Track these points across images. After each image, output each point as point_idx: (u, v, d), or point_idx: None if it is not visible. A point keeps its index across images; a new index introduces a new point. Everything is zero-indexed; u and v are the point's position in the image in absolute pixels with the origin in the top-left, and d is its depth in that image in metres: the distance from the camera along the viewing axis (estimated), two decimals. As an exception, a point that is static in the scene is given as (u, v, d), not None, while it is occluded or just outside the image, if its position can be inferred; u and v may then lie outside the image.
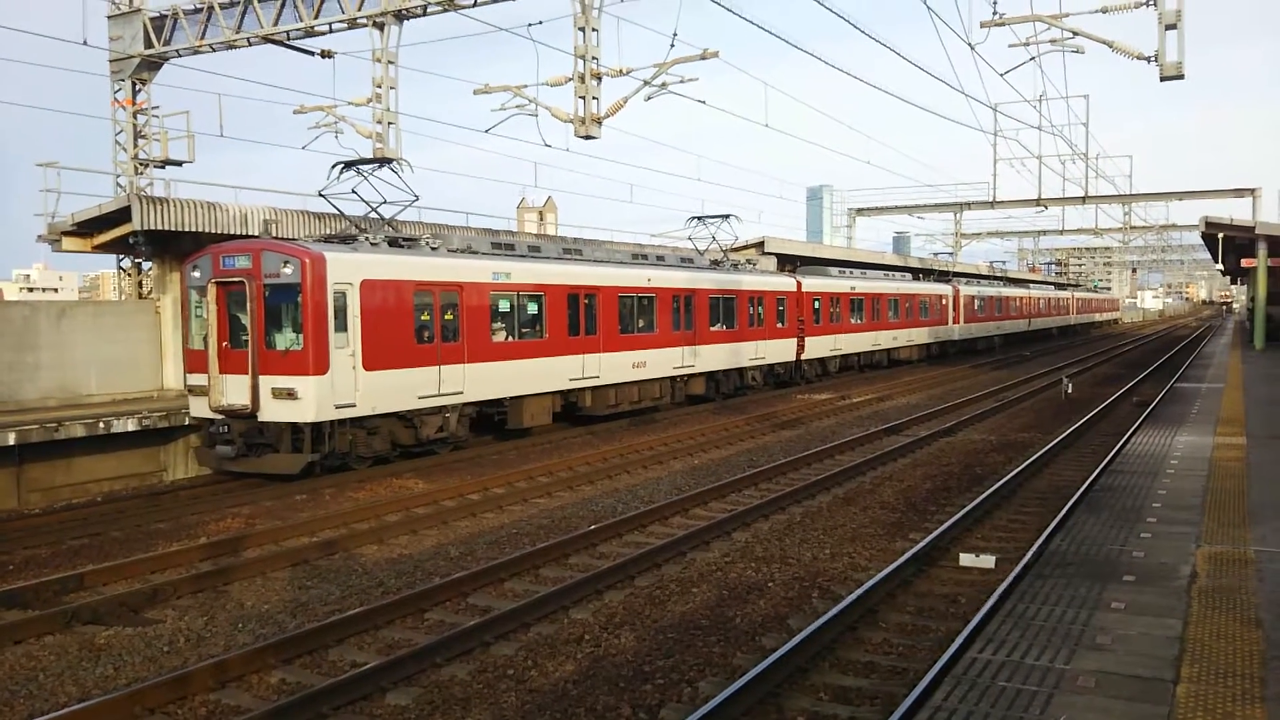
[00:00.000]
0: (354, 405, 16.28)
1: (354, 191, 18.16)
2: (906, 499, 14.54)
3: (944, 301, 46.85)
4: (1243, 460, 12.28)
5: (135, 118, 21.77)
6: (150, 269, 20.45)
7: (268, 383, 15.77)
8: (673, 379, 25.51)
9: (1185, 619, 6.32)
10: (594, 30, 17.38)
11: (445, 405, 18.18)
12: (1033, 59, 20.38)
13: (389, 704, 7.45)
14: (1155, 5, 17.56)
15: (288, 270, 15.73)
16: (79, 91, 24.12)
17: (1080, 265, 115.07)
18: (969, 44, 19.44)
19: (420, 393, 17.49)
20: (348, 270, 16.20)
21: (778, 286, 30.99)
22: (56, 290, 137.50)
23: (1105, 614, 6.47)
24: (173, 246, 19.62)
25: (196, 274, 16.70)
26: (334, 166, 18.12)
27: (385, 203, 18.47)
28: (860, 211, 60.80)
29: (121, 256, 21.14)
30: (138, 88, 21.88)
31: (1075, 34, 19.27)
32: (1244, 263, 39.63)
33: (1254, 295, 39.84)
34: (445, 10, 18.73)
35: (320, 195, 18.22)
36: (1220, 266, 49.23)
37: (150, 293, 20.43)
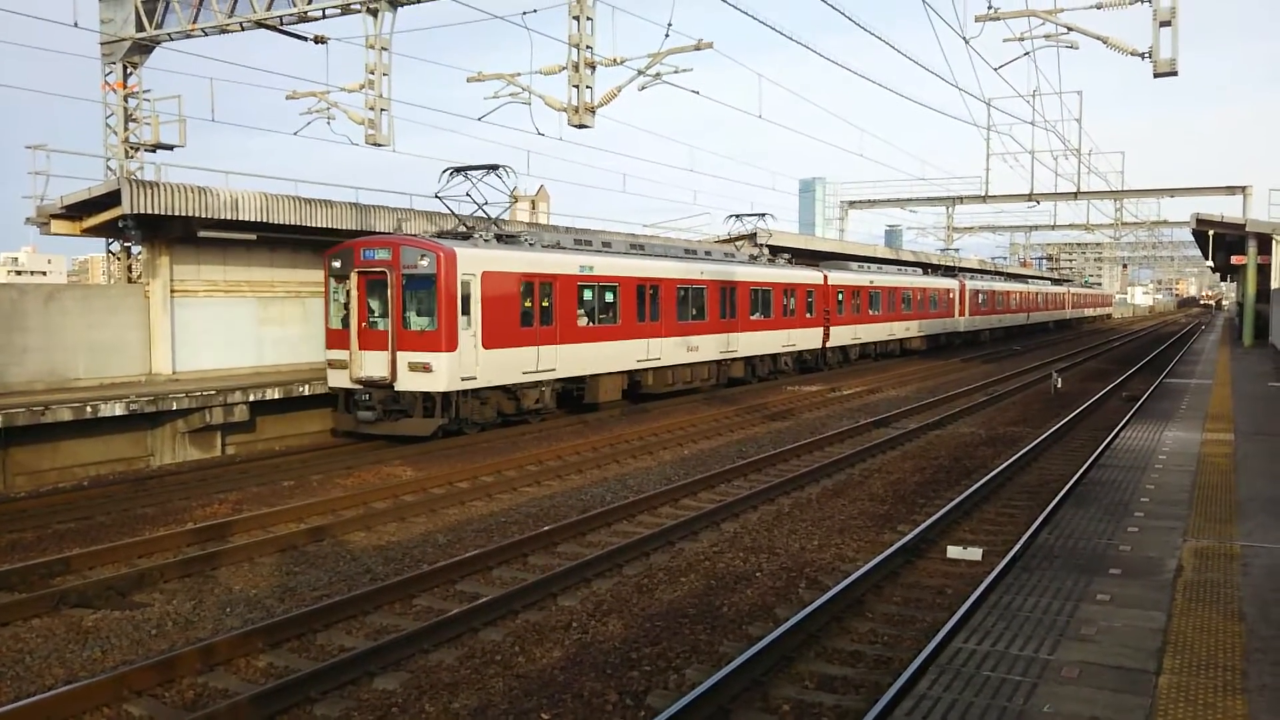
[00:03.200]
0: (475, 378, 19.10)
1: (467, 195, 21.10)
2: (895, 491, 14.58)
3: (951, 295, 49.30)
4: (1230, 456, 12.34)
5: (126, 101, 21.65)
6: (140, 253, 20.34)
7: (405, 358, 18.49)
8: (718, 362, 28.22)
9: (1169, 612, 6.36)
10: (588, 19, 17.33)
11: (541, 380, 21.05)
12: (1027, 54, 20.41)
13: (376, 688, 7.46)
14: (1149, 2, 17.59)
15: (424, 263, 18.44)
16: (69, 74, 23.97)
17: (1071, 261, 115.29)
18: (963, 38, 19.44)
19: (523, 369, 20.36)
20: (472, 263, 18.98)
21: (807, 280, 33.69)
22: (45, 274, 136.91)
23: (1090, 606, 6.50)
24: (162, 230, 19.53)
25: (337, 264, 19.39)
26: (444, 171, 20.79)
27: (487, 204, 21.37)
28: (853, 204, 60.80)
29: (111, 240, 21.03)
30: (129, 71, 21.75)
31: (1069, 29, 19.29)
32: (1234, 260, 39.79)
33: (1243, 292, 40.02)
34: (439, -4, 18.64)
35: (436, 197, 20.93)
36: (1210, 263, 49.43)
37: (140, 277, 20.33)
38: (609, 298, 23.27)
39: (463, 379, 18.77)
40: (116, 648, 8.43)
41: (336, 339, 19.37)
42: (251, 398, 18.34)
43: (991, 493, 14.22)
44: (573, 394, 22.69)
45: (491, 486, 14.81)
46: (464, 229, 21.29)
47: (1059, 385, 28.29)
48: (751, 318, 29.69)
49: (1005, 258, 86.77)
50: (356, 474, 16.14)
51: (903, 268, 47.41)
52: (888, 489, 14.74)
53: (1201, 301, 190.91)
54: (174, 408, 17.18)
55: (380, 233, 21.56)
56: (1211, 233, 37.76)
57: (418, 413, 18.67)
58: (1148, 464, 11.83)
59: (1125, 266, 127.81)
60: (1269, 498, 9.80)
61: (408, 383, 18.54)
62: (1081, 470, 14.65)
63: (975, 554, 10.74)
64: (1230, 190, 50.62)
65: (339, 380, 19.26)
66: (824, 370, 35.38)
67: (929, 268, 53.81)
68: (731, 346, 28.62)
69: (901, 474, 15.95)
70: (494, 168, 20.68)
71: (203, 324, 20.71)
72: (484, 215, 21.46)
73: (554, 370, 21.22)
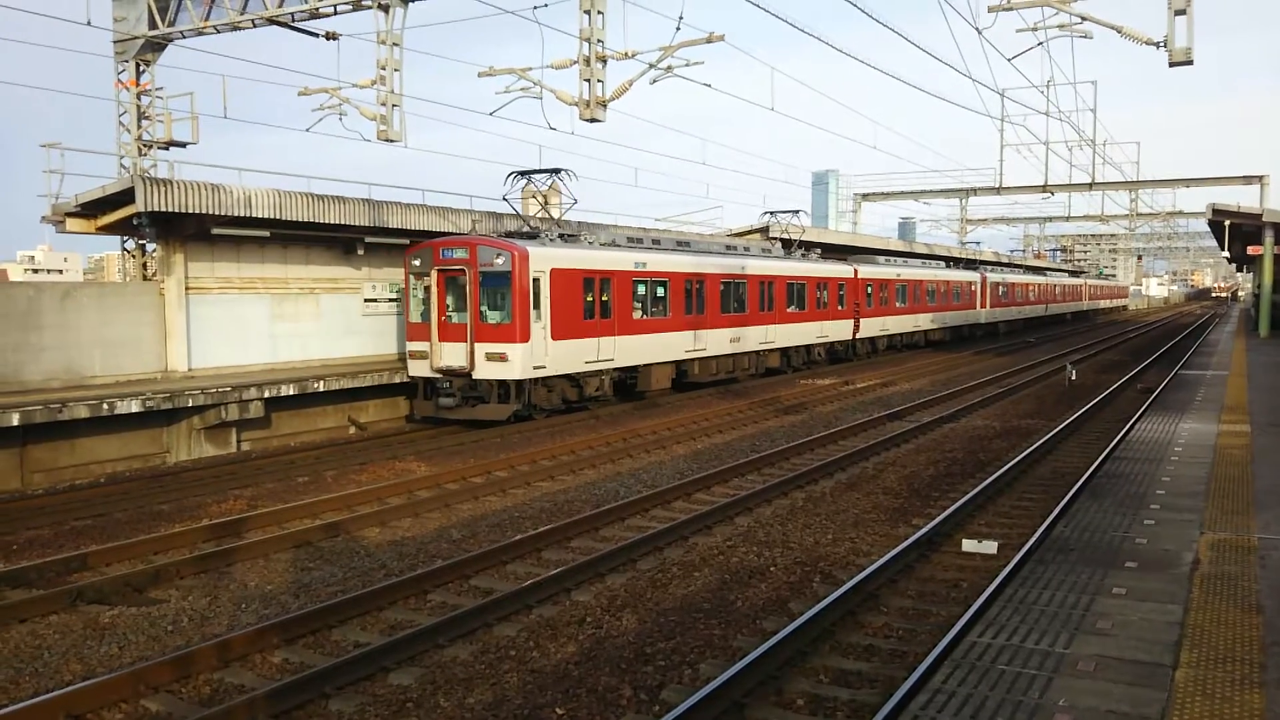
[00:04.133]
0: (545, 367, 20.61)
1: (534, 197, 22.74)
2: (910, 485, 14.54)
3: (973, 288, 50.43)
4: (1247, 447, 12.25)
5: (139, 99, 21.71)
6: (154, 250, 20.42)
7: (482, 349, 20.00)
8: (757, 353, 29.77)
9: (1186, 605, 6.33)
10: (599, 13, 17.28)
11: (601, 370, 22.59)
12: (1041, 44, 20.25)
13: (391, 684, 7.48)
14: (1164, -10, 17.42)
15: (499, 261, 19.95)
16: (82, 72, 24.06)
17: (1086, 252, 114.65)
18: (976, 29, 19.32)
19: (586, 358, 21.88)
20: (542, 261, 20.49)
21: (838, 274, 35.10)
22: (61, 272, 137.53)
23: (1106, 599, 6.47)
24: (177, 228, 19.60)
25: (417, 262, 20.90)
26: (509, 175, 22.26)
27: (540, 207, 23.16)
28: (866, 196, 60.60)
29: (125, 238, 21.11)
30: (141, 69, 21.81)
31: (1084, 19, 19.14)
32: (1250, 250, 39.46)
33: (1260, 283, 39.70)
34: (450, -8, 18.63)
35: (504, 200, 22.72)
36: (1226, 254, 49.06)
37: (154, 274, 20.42)
38: (660, 292, 24.78)
39: (534, 368, 20.33)
40: (133, 644, 8.48)
41: (416, 332, 20.94)
42: (266, 394, 18.43)
43: (1006, 486, 14.17)
44: (626, 382, 24.17)
45: (505, 482, 14.83)
46: (529, 229, 22.93)
47: (1073, 377, 28.15)
48: (788, 310, 31.18)
49: (1020, 250, 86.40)
50: (370, 470, 16.19)
51: (926, 261, 48.72)
52: (902, 482, 14.70)
53: (1215, 293, 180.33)
54: (189, 404, 17.26)
55: (430, 231, 22.99)
56: (1228, 223, 37.43)
57: (493, 399, 20.31)
58: (1163, 456, 11.76)
59: (1140, 258, 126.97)
60: (1287, 490, 9.72)
61: (485, 371, 20.11)
62: (1097, 463, 14.57)
63: (990, 547, 10.70)
64: (1247, 180, 50.23)
65: (419, 370, 20.84)
66: (853, 360, 36.88)
67: (951, 261, 54.88)
68: (770, 338, 30.11)
69: (916, 467, 15.90)
70: (556, 171, 22.45)
71: (217, 321, 20.79)
72: (547, 215, 23.37)
73: (613, 360, 22.79)
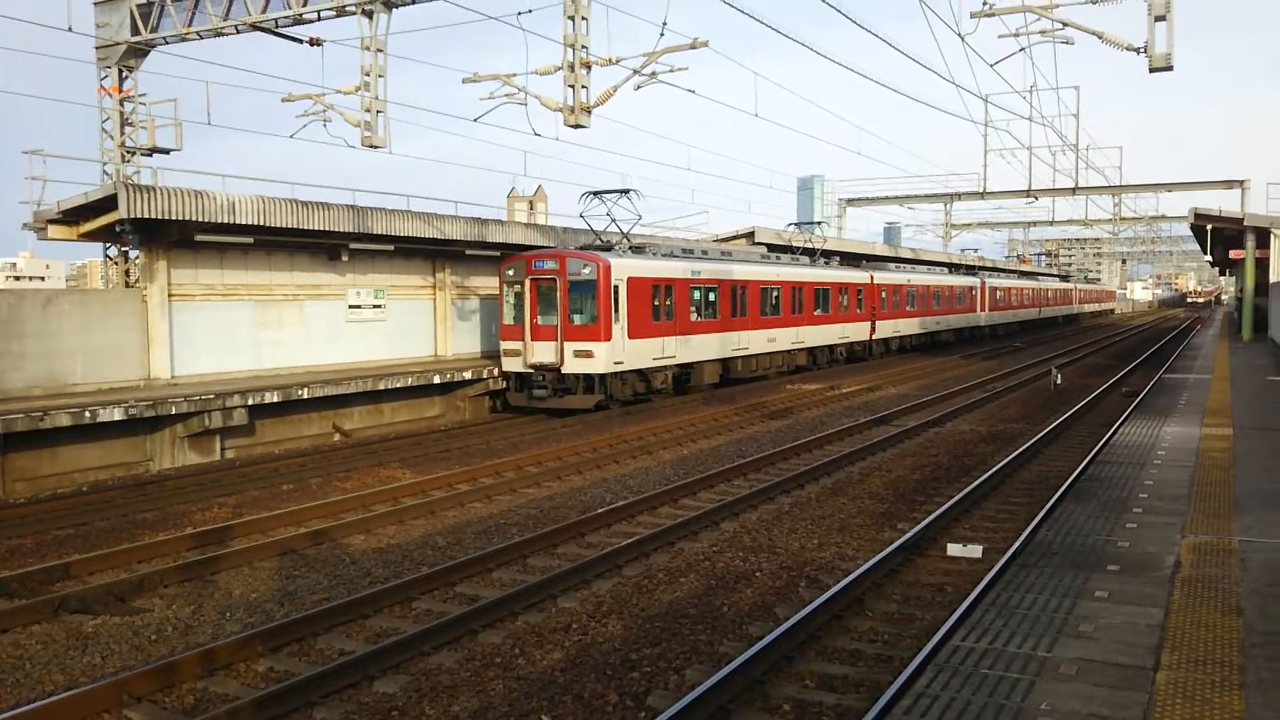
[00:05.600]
0: (623, 363, 23.55)
1: (608, 215, 25.85)
2: (895, 489, 14.58)
3: (974, 293, 53.25)
4: (1229, 451, 12.34)
5: (122, 105, 21.63)
6: (137, 257, 20.33)
7: (570, 347, 22.94)
8: (788, 352, 32.61)
9: (1167, 608, 6.36)
10: (584, 19, 17.31)
11: (665, 366, 25.53)
12: (1023, 50, 20.38)
13: (377, 692, 7.46)
14: (1144, -4, 17.55)
15: (586, 271, 22.96)
16: (65, 78, 23.95)
17: (1071, 256, 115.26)
18: (959, 34, 19.44)
19: (654, 356, 24.85)
20: (620, 270, 23.49)
21: (857, 280, 38.15)
22: (43, 279, 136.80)
23: (1089, 603, 6.50)
24: (160, 235, 19.52)
25: (510, 272, 23.85)
26: (583, 195, 25.58)
27: (613, 220, 26.16)
28: (851, 202, 60.81)
29: (108, 245, 21.02)
30: (124, 75, 21.72)
31: (1065, 25, 19.26)
32: (1232, 254, 39.75)
33: (1242, 286, 40.00)
34: (434, -2, 18.62)
35: (580, 217, 26.06)
36: (1209, 258, 49.40)
37: (137, 281, 20.32)
38: (711, 297, 27.58)
39: (614, 363, 23.25)
40: (116, 653, 8.42)
41: (509, 332, 23.83)
42: (250, 401, 18.35)
43: (991, 490, 14.22)
44: (682, 378, 26.88)
45: (491, 489, 14.80)
46: (600, 243, 25.97)
47: (1059, 381, 28.28)
48: (815, 314, 34.27)
49: (1005, 255, 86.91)
50: (355, 477, 16.14)
51: (932, 267, 52.07)
52: (887, 487, 14.74)
53: (1191, 298, 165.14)
54: (173, 412, 17.18)
55: (494, 243, 26.18)
56: (1210, 227, 37.71)
57: (580, 390, 23.13)
58: (1147, 460, 11.83)
59: (1124, 262, 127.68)
60: (1268, 493, 9.79)
61: (573, 366, 22.97)
62: (1081, 466, 14.64)
63: (975, 551, 10.74)
64: (1228, 184, 50.65)
65: (513, 365, 23.73)
66: (870, 360, 39.63)
67: (953, 267, 57.86)
68: (800, 338, 33.20)
69: (901, 472, 15.95)
70: (625, 192, 25.59)
71: (201, 328, 20.72)
72: (618, 230, 26.22)
73: (674, 357, 25.76)
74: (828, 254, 40.27)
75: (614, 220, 25.93)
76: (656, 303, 24.84)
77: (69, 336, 18.33)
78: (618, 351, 23.26)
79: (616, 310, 23.20)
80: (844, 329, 36.88)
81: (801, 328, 33.16)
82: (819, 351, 35.30)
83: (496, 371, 24.01)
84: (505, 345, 23.83)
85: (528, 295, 23.44)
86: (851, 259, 44.18)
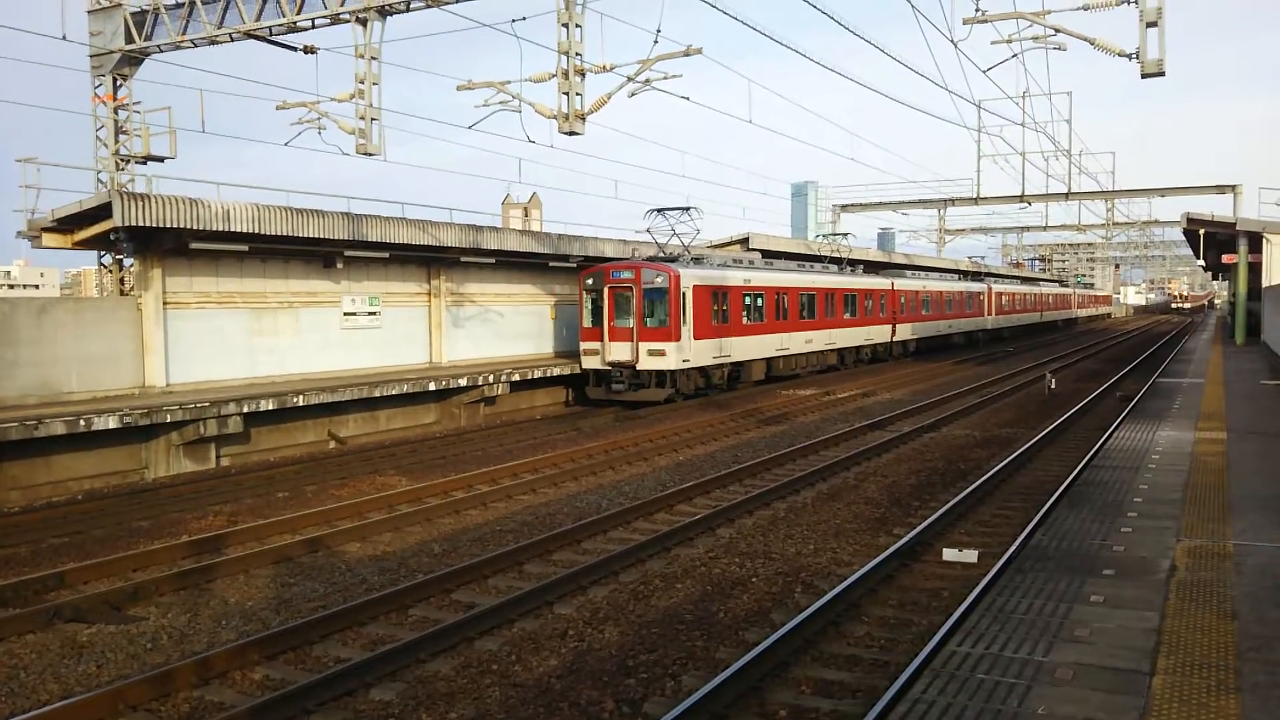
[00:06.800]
0: (689, 361, 26.53)
1: (672, 229, 28.88)
2: (890, 494, 14.60)
3: (982, 298, 56.17)
4: (1223, 455, 12.37)
5: (116, 113, 21.62)
6: (132, 265, 20.31)
7: (644, 346, 26.02)
8: (821, 352, 35.56)
9: (1163, 612, 6.38)
10: (578, 26, 17.33)
11: (722, 364, 28.46)
12: (1015, 56, 20.42)
13: (373, 699, 7.45)
14: (1136, 3, 17.63)
15: (659, 280, 26.12)
16: (59, 87, 23.96)
17: (1064, 261, 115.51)
18: (952, 41, 19.48)
19: (714, 355, 27.78)
20: (688, 280, 26.55)
21: (879, 286, 41.08)
22: (38, 287, 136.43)
23: (1084, 607, 6.51)
24: (154, 243, 19.50)
25: (590, 281, 26.93)
26: (648, 211, 28.88)
27: (674, 235, 29.27)
28: (845, 208, 60.88)
29: (103, 253, 20.98)
30: (119, 83, 21.71)
31: (1057, 31, 19.32)
32: (1225, 258, 39.89)
33: (1235, 291, 40.11)
34: (429, 6, 18.65)
35: (647, 232, 29.33)
36: (1202, 262, 49.56)
37: (132, 289, 20.29)
38: (759, 303, 30.69)
39: (683, 361, 26.20)
40: (112, 662, 8.40)
41: (589, 334, 26.81)
42: (245, 409, 18.33)
43: (986, 495, 14.24)
44: (734, 374, 29.65)
45: (487, 495, 14.79)
46: (664, 255, 28.60)
47: (1053, 386, 28.34)
48: (845, 317, 37.34)
49: (984, 257, 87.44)
50: (351, 484, 16.12)
51: (944, 274, 55.14)
52: (883, 492, 14.75)
53: (1176, 304, 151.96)
54: (168, 420, 17.15)
55: (575, 255, 29.32)
56: (1203, 232, 37.86)
57: (652, 384, 26.17)
58: (1141, 464, 11.86)
59: (1118, 267, 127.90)
60: (1262, 496, 9.83)
61: (646, 364, 26.03)
62: (1075, 471, 14.67)
63: (971, 556, 10.75)
64: (1220, 189, 50.79)
65: (591, 363, 26.73)
66: (890, 360, 42.53)
67: (962, 274, 61.04)
68: (832, 340, 36.25)
69: (896, 477, 15.96)
70: (686, 209, 28.68)
71: (196, 336, 20.68)
72: (680, 244, 29.19)
73: (730, 356, 28.60)
74: (853, 262, 43.92)
75: (676, 233, 29.03)
76: (715, 308, 27.73)
77: (64, 345, 18.29)
78: (685, 350, 26.24)
79: (684, 314, 26.14)
80: (869, 331, 39.80)
81: (833, 330, 36.28)
82: (848, 352, 38.33)
83: (502, 376, 24.55)
84: (585, 345, 26.87)
85: (606, 301, 26.43)
86: (873, 267, 47.13)
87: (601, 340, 26.41)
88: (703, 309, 26.98)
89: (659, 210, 28.56)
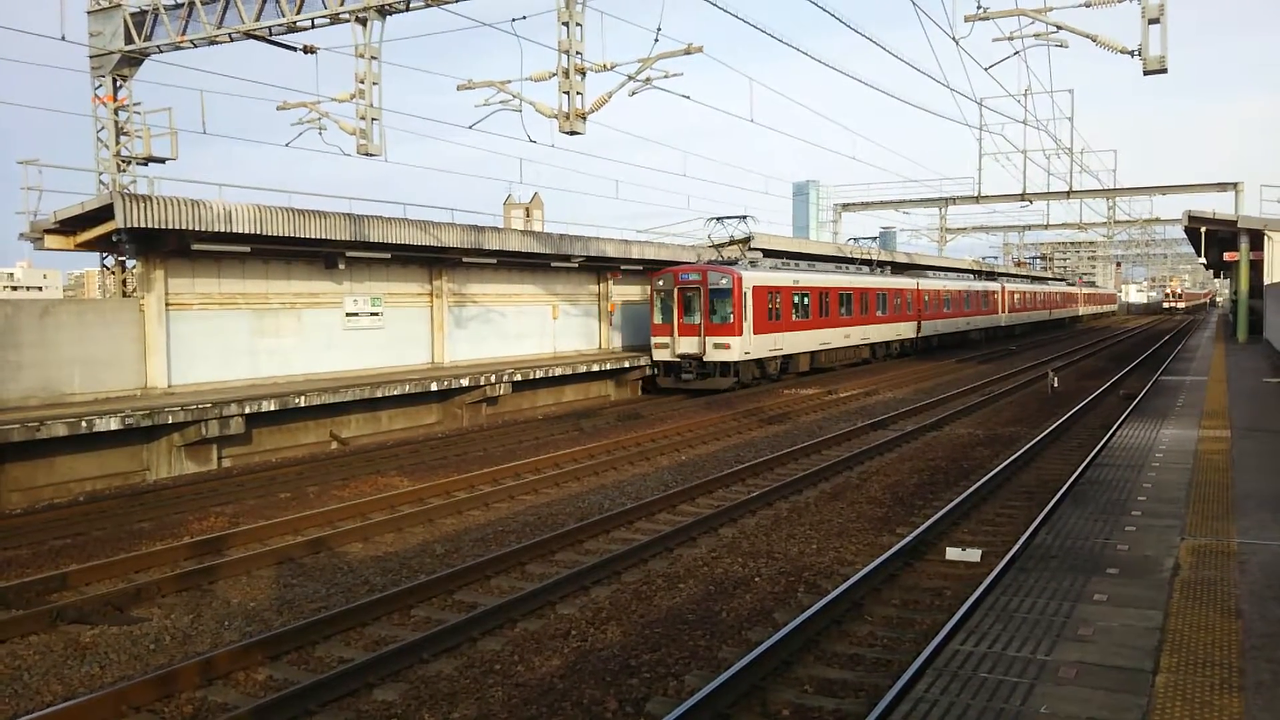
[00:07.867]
0: (750, 353, 29.84)
1: (730, 236, 33.46)
2: (893, 494, 14.58)
3: (996, 296, 59.20)
4: (1227, 453, 12.35)
5: (117, 114, 21.61)
6: (134, 267, 20.31)
7: (710, 340, 29.20)
8: (856, 346, 38.60)
9: (1166, 611, 6.36)
10: (578, 25, 17.31)
11: (776, 356, 31.92)
12: (1017, 53, 20.38)
13: (376, 700, 7.44)
14: None
15: (723, 281, 29.27)
16: (59, 88, 23.97)
17: (1066, 259, 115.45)
18: (953, 38, 19.45)
19: (769, 348, 31.18)
20: (749, 281, 29.86)
21: (906, 286, 44.31)
22: (41, 289, 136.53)
23: (1088, 606, 6.50)
24: (156, 244, 19.50)
25: (660, 282, 30.10)
26: (708, 220, 32.82)
27: (731, 239, 34.91)
28: (846, 207, 60.83)
29: (105, 254, 20.98)
30: (119, 84, 21.71)
31: (1059, 28, 19.28)
32: (1226, 256, 39.84)
33: (1237, 289, 40.07)
34: (428, 5, 18.64)
35: (711, 241, 33.40)
36: (1204, 260, 49.49)
37: (134, 291, 20.29)
38: (805, 301, 33.82)
39: (744, 353, 29.47)
40: (115, 663, 8.41)
41: (659, 330, 29.95)
42: (247, 410, 18.33)
43: (990, 494, 14.23)
44: (784, 366, 32.98)
45: (489, 496, 14.79)
46: (722, 259, 32.06)
47: (1055, 384, 28.31)
48: (877, 314, 40.35)
49: (998, 258, 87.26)
50: (353, 485, 16.12)
51: (961, 274, 58.45)
52: (886, 491, 14.74)
53: (1169, 304, 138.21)
54: (169, 421, 17.16)
55: (632, 259, 32.29)
56: (1204, 229, 37.82)
57: (717, 374, 29.30)
58: (1144, 462, 11.84)
59: (1119, 264, 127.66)
60: (1266, 495, 9.81)
61: (713, 355, 29.14)
62: (1079, 470, 14.65)
63: (974, 555, 10.74)
64: (1222, 187, 50.71)
65: (662, 355, 29.83)
66: (915, 355, 45.37)
67: (977, 273, 64.13)
68: (866, 335, 39.30)
69: (899, 476, 15.95)
70: (743, 218, 33.57)
71: (198, 337, 20.69)
72: (739, 248, 33.40)
73: (781, 349, 32.10)
74: (881, 264, 46.83)
75: (733, 239, 33.05)
76: (770, 306, 30.99)
77: (66, 346, 18.29)
78: (746, 344, 29.49)
79: (745, 312, 29.32)
80: (897, 328, 42.96)
81: (867, 326, 39.38)
82: (879, 347, 41.27)
83: (504, 376, 24.32)
84: (655, 340, 30.03)
85: (675, 300, 29.57)
86: (898, 268, 50.04)
87: (671, 335, 29.46)
88: (761, 307, 30.18)
89: (717, 218, 32.58)
